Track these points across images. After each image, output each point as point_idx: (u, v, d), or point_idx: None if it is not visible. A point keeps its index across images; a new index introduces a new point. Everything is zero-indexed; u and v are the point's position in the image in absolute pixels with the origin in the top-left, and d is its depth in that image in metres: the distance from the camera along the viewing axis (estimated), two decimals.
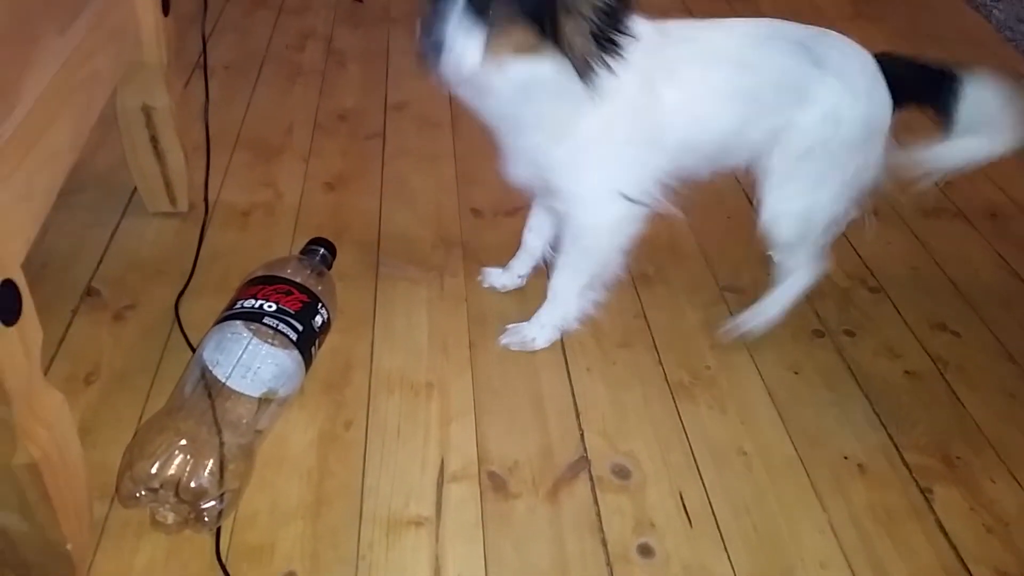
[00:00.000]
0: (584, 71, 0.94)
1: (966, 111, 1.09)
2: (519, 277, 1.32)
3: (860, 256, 1.42)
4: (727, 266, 1.39)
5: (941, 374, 1.23)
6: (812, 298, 1.35)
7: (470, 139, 1.67)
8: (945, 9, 2.44)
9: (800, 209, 1.15)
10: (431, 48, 0.91)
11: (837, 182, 1.13)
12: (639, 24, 0.99)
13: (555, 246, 1.26)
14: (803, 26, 1.11)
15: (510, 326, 1.23)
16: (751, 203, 1.54)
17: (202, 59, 1.79)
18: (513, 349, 1.21)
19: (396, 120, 1.72)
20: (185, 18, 1.89)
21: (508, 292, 1.30)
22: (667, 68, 1.03)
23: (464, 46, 0.90)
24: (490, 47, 0.91)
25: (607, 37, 0.94)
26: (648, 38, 1.00)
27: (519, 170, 1.11)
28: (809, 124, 1.08)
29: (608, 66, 0.95)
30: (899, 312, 1.34)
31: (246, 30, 2.02)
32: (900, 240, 1.51)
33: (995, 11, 2.55)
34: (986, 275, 1.45)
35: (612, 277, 1.17)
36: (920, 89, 1.12)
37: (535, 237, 1.29)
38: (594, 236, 1.13)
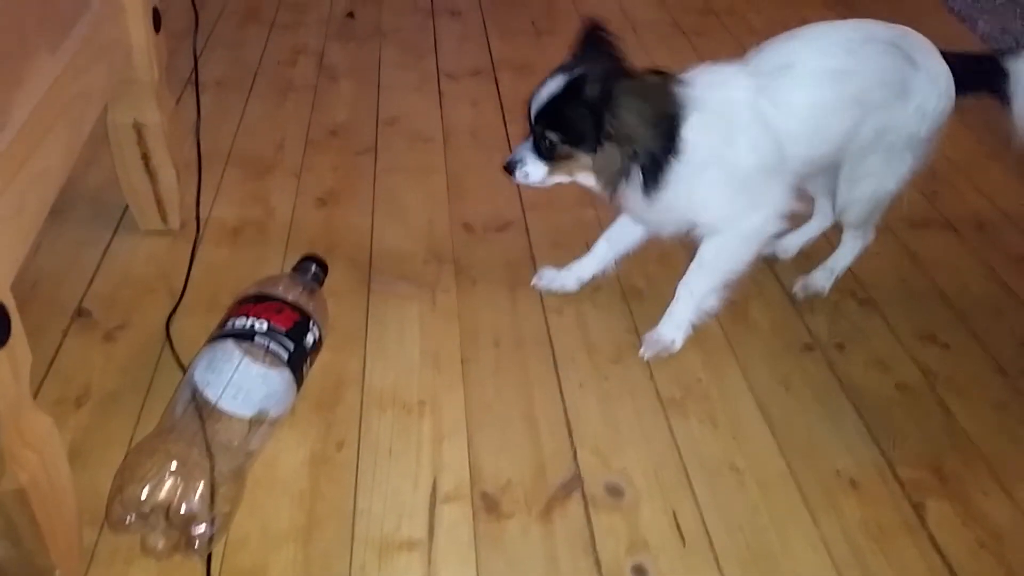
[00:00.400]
0: (610, 188, 1.12)
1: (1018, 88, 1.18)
2: (579, 280, 1.34)
3: (849, 269, 1.42)
4: None
5: (932, 387, 1.23)
6: (802, 311, 1.36)
7: (462, 154, 1.68)
8: (931, 20, 2.47)
9: (871, 197, 1.27)
10: (510, 164, 1.15)
11: (905, 171, 1.23)
12: (727, 84, 1.12)
13: (620, 261, 1.35)
14: (886, 25, 1.18)
15: (645, 336, 1.25)
16: None
17: (194, 75, 1.79)
18: (659, 357, 1.23)
19: (388, 135, 1.72)
20: (177, 34, 1.90)
21: (501, 309, 1.30)
22: (776, 101, 1.11)
23: (532, 168, 1.14)
24: (555, 170, 1.14)
25: (656, 163, 1.08)
26: (742, 92, 1.11)
27: (654, 217, 1.20)
28: (903, 118, 1.18)
29: (659, 181, 1.09)
30: (888, 324, 1.35)
31: (238, 46, 2.02)
32: (888, 251, 1.52)
33: (980, 22, 2.56)
34: (975, 286, 1.46)
35: (741, 275, 1.23)
36: (975, 79, 1.21)
37: (609, 248, 1.33)
38: (738, 243, 1.21)
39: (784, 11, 2.36)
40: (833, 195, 1.31)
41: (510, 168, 1.15)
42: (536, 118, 1.11)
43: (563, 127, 1.10)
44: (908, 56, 1.16)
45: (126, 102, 1.26)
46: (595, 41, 1.14)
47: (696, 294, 1.23)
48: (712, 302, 1.24)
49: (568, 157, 1.12)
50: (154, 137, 1.29)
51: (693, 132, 1.07)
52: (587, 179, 1.14)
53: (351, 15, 2.23)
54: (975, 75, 1.22)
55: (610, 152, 1.08)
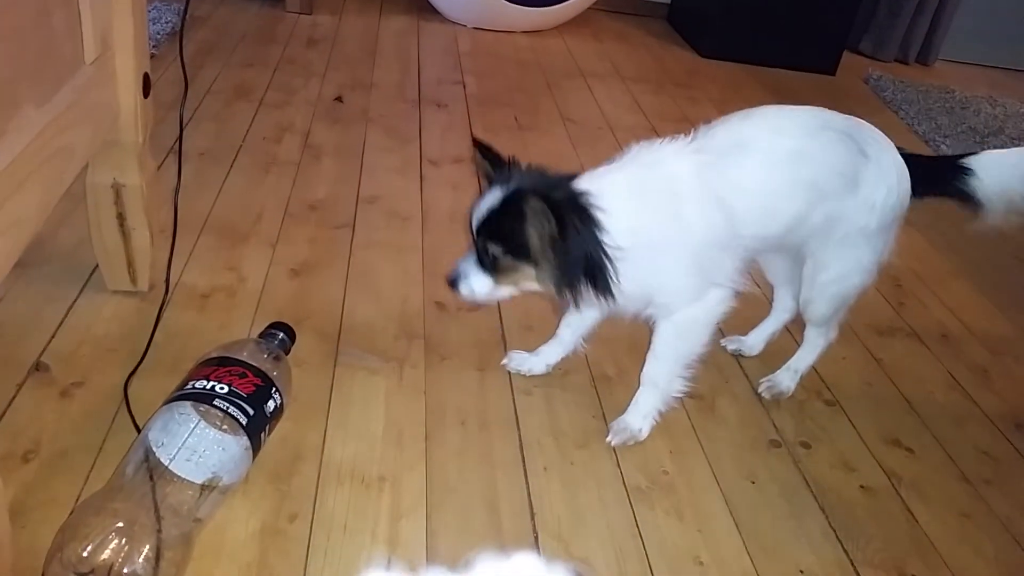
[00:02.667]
0: (567, 298, 1.10)
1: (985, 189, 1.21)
2: (547, 365, 1.34)
3: (816, 369, 1.44)
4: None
5: (896, 490, 1.23)
6: (768, 408, 1.36)
7: (439, 235, 1.69)
8: (899, 142, 2.56)
9: (834, 292, 1.27)
10: (453, 279, 1.13)
11: (869, 263, 1.23)
12: (670, 171, 1.10)
13: (588, 339, 1.34)
14: (841, 115, 1.20)
15: (612, 425, 1.24)
16: None
17: (178, 144, 1.81)
18: (626, 444, 1.22)
19: (367, 212, 1.74)
20: (164, 104, 1.92)
21: (469, 388, 1.29)
22: (726, 177, 1.10)
23: (476, 282, 1.12)
24: (500, 281, 1.12)
25: (583, 284, 1.07)
26: (686, 176, 1.10)
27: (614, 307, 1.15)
28: (852, 210, 1.18)
29: (606, 296, 1.07)
30: (854, 426, 1.35)
31: (224, 120, 2.05)
32: (855, 356, 1.54)
33: (943, 145, 2.69)
34: (939, 394, 1.48)
35: (703, 355, 1.21)
36: (931, 180, 1.23)
37: (571, 332, 1.33)
38: (692, 324, 1.18)
39: None
40: (796, 288, 1.32)
41: (454, 283, 1.13)
42: (477, 231, 1.10)
43: (504, 239, 1.08)
44: (860, 148, 1.17)
45: (108, 162, 1.26)
46: (496, 159, 1.13)
47: (659, 383, 1.22)
48: (676, 387, 1.22)
49: (512, 269, 1.10)
50: (132, 198, 1.29)
51: (635, 218, 1.06)
52: (536, 287, 1.12)
53: (340, 99, 2.29)
54: (931, 175, 1.23)
55: (547, 262, 1.07)
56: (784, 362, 1.40)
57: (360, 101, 2.30)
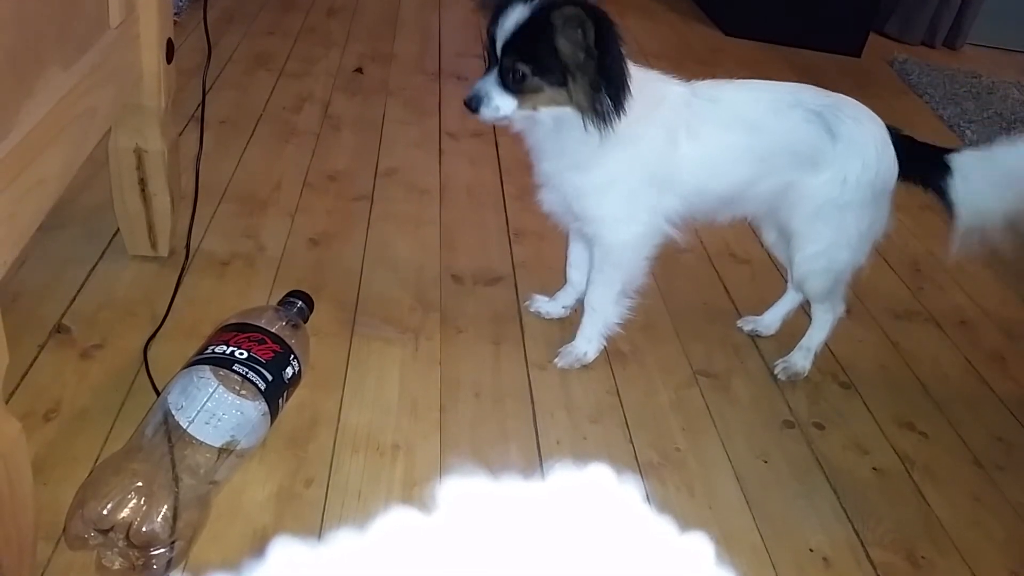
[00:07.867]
0: (592, 120, 1.10)
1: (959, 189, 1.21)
2: (563, 308, 1.41)
3: (832, 351, 1.43)
4: (701, 350, 1.40)
5: (908, 473, 1.23)
6: (783, 388, 1.36)
7: (457, 209, 1.70)
8: (923, 127, 2.55)
9: (824, 266, 1.28)
10: (474, 100, 1.12)
11: (852, 237, 1.24)
12: (668, 84, 1.18)
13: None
14: (824, 93, 1.22)
15: (560, 349, 1.32)
16: (727, 291, 1.57)
17: (200, 110, 1.81)
18: (571, 367, 1.30)
19: (385, 185, 1.74)
20: (186, 72, 1.92)
21: (484, 361, 1.30)
22: (690, 124, 1.16)
23: (502, 102, 1.11)
24: (523, 103, 1.11)
25: (606, 101, 1.09)
26: (676, 97, 1.17)
27: (550, 195, 1.24)
28: (818, 186, 1.21)
29: (612, 119, 1.10)
30: (868, 409, 1.35)
31: (245, 88, 2.05)
32: (871, 339, 1.53)
33: (968, 131, 2.66)
34: (954, 379, 1.47)
35: (641, 284, 1.29)
36: (912, 167, 1.23)
37: (576, 272, 1.38)
38: (619, 253, 1.25)
39: None
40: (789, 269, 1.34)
41: (474, 104, 1.11)
42: (503, 50, 1.08)
43: (534, 57, 1.07)
44: (829, 127, 1.18)
45: (130, 127, 1.27)
46: None
47: (598, 308, 1.29)
48: (616, 314, 1.29)
49: (537, 90, 1.10)
50: (154, 164, 1.30)
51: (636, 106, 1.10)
52: (555, 111, 1.11)
53: (360, 71, 2.28)
54: (913, 160, 1.23)
55: (581, 73, 1.07)
56: (799, 342, 1.40)
57: (380, 73, 2.29)
